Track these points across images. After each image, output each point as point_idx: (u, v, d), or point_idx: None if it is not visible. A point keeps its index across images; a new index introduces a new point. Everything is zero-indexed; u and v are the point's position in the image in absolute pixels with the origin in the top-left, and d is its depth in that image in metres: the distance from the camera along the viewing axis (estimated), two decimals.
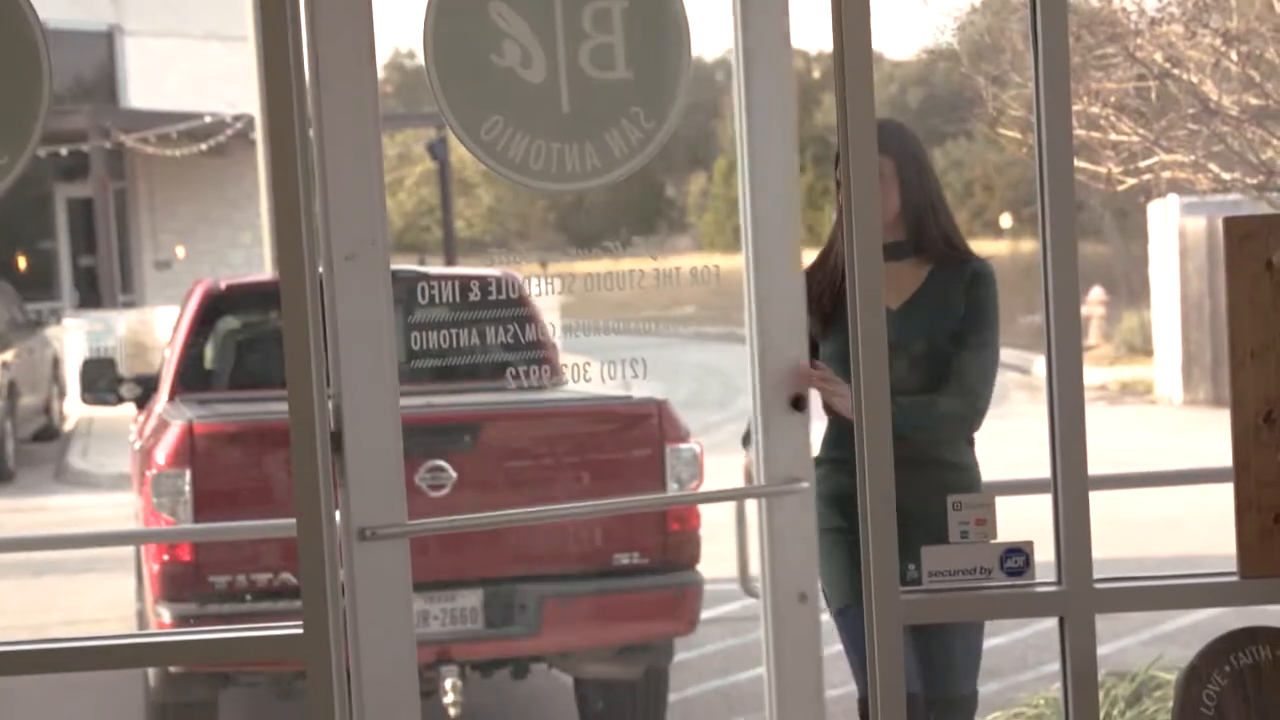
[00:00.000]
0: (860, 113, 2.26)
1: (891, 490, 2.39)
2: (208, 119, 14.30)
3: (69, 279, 17.03)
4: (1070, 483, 2.31)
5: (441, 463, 4.26)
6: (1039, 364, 15.84)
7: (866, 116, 2.27)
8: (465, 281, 3.32)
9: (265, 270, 11.59)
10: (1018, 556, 2.42)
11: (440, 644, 4.40)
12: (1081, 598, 2.32)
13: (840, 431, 3.02)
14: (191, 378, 5.47)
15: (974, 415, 3.05)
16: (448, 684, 4.41)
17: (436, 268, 11.89)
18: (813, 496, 3.23)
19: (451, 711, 4.27)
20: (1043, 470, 2.45)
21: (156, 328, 13.07)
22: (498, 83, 2.76)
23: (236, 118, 13.96)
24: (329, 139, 2.67)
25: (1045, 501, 2.44)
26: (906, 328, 2.99)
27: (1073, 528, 2.32)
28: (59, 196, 16.10)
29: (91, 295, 15.79)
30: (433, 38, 2.70)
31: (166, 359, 5.80)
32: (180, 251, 15.73)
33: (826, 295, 3.07)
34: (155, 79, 14.44)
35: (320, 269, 2.63)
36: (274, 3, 2.42)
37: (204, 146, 14.38)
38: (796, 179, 3.23)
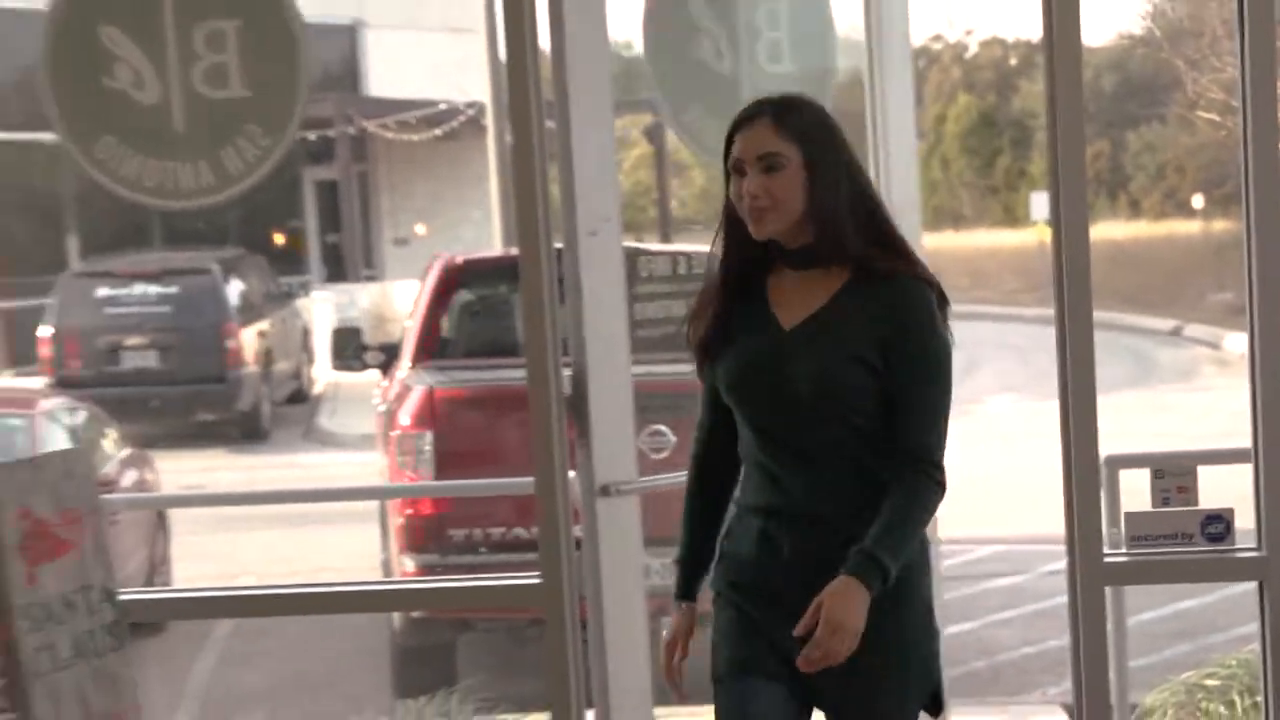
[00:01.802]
0: (1068, 100, 2.39)
1: (1094, 437, 2.40)
2: (442, 106, 15.10)
3: (317, 255, 18.23)
4: (1271, 451, 2.37)
5: (662, 428, 4.42)
6: (1229, 339, 15.37)
7: (1074, 103, 2.40)
8: (681, 257, 3.59)
9: (494, 246, 12.07)
10: (1218, 523, 2.49)
11: (659, 597, 4.61)
12: None
13: (767, 479, 2.37)
14: (431, 346, 5.80)
15: (941, 479, 2.28)
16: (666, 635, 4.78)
17: (654, 244, 12.29)
18: None
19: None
20: (1234, 442, 2.53)
21: (395, 300, 13.74)
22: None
23: (469, 105, 14.67)
24: (571, 124, 2.82)
25: (1242, 472, 2.48)
26: (794, 350, 2.31)
27: (1273, 495, 2.38)
28: (307, 179, 17.45)
29: (337, 270, 16.89)
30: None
31: (407, 329, 6.20)
32: (420, 229, 16.67)
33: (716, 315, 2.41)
34: (394, 69, 15.32)
35: (558, 245, 2.75)
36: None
37: (438, 132, 15.27)
38: (915, 168, 3.61)
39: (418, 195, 16.88)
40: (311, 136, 14.47)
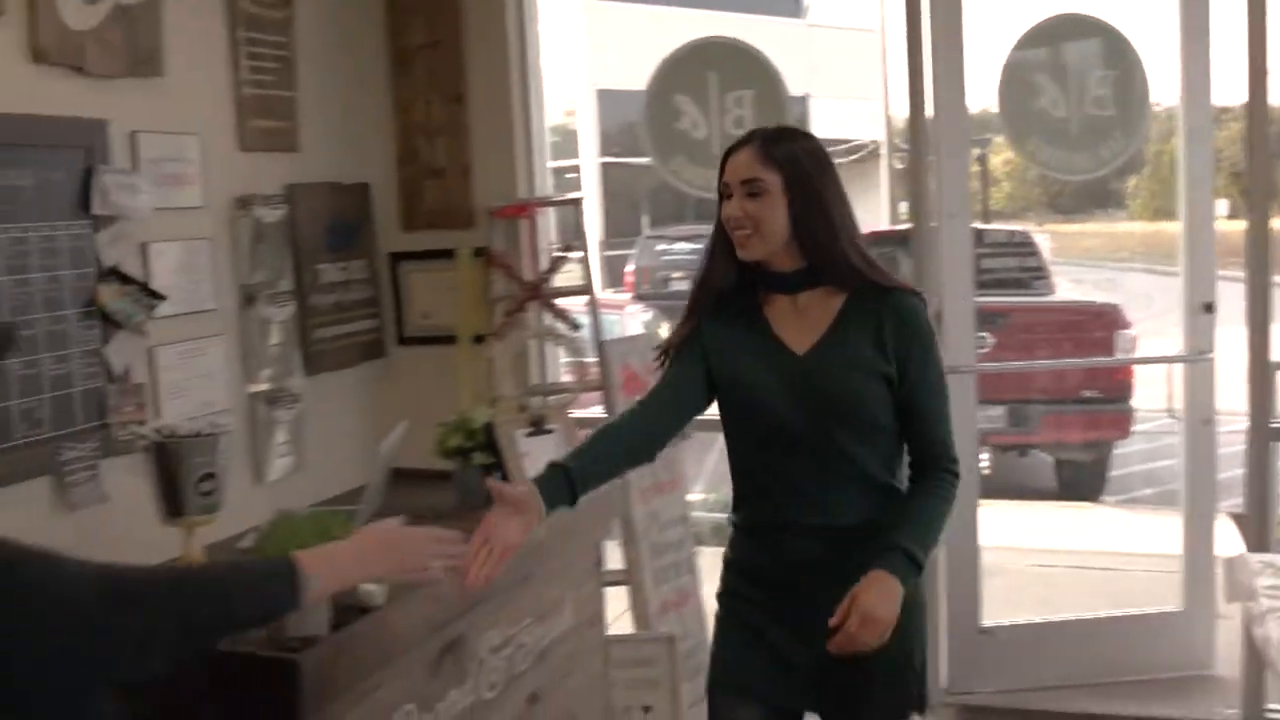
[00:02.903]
0: None
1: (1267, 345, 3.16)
2: (854, 142, 22.13)
3: None
4: None
5: (985, 334, 6.72)
6: None
7: None
8: (1002, 232, 6.08)
9: (883, 225, 18.47)
10: None
11: (982, 434, 6.14)
12: None
13: (776, 496, 2.42)
14: None
15: (959, 471, 2.41)
16: (986, 459, 6.98)
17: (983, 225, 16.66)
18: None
19: (985, 472, 5.93)
20: None
21: None
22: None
23: (870, 142, 22.50)
24: (944, 143, 4.13)
25: None
26: (813, 375, 2.34)
27: None
28: None
29: None
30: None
31: None
32: None
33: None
34: (827, 120, 20.67)
35: (931, 224, 4.17)
36: (915, 64, 4.02)
37: (853, 157, 22.31)
38: (1212, 174, 4.28)
39: None
40: None
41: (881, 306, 2.35)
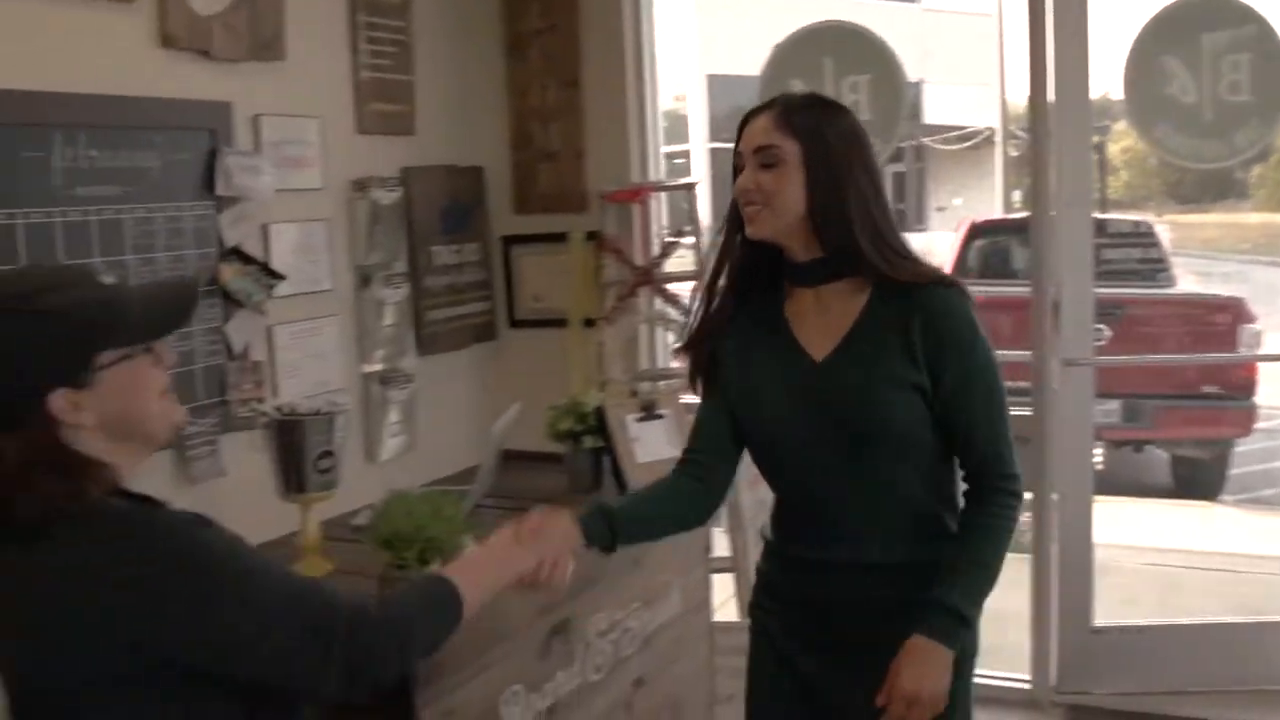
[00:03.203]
0: None
1: None
2: (969, 129, 22.33)
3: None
4: None
5: (1102, 325, 6.43)
6: None
7: None
8: (1124, 224, 5.97)
9: (997, 213, 18.20)
10: None
11: (1097, 429, 5.88)
12: None
13: (806, 528, 2.17)
14: (960, 271, 8.49)
15: (1018, 489, 2.08)
16: (1100, 454, 6.97)
17: (1100, 215, 16.82)
18: None
19: (1099, 468, 5.99)
20: None
21: (935, 245, 16.72)
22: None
23: (985, 128, 22.35)
24: (1065, 130, 3.97)
25: None
26: (832, 386, 2.05)
27: None
28: (888, 171, 22.16)
29: (902, 224, 22.65)
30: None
31: (947, 260, 8.90)
32: (957, 201, 23.42)
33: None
34: (940, 107, 21.39)
35: (1051, 212, 4.01)
36: (1038, 48, 3.88)
37: (966, 144, 22.52)
38: None
39: (952, 182, 24.12)
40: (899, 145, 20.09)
41: (908, 304, 2.03)
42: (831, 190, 2.02)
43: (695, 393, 2.24)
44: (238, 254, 3.33)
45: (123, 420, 1.60)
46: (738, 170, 2.10)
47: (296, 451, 2.24)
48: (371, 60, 3.84)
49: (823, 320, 2.09)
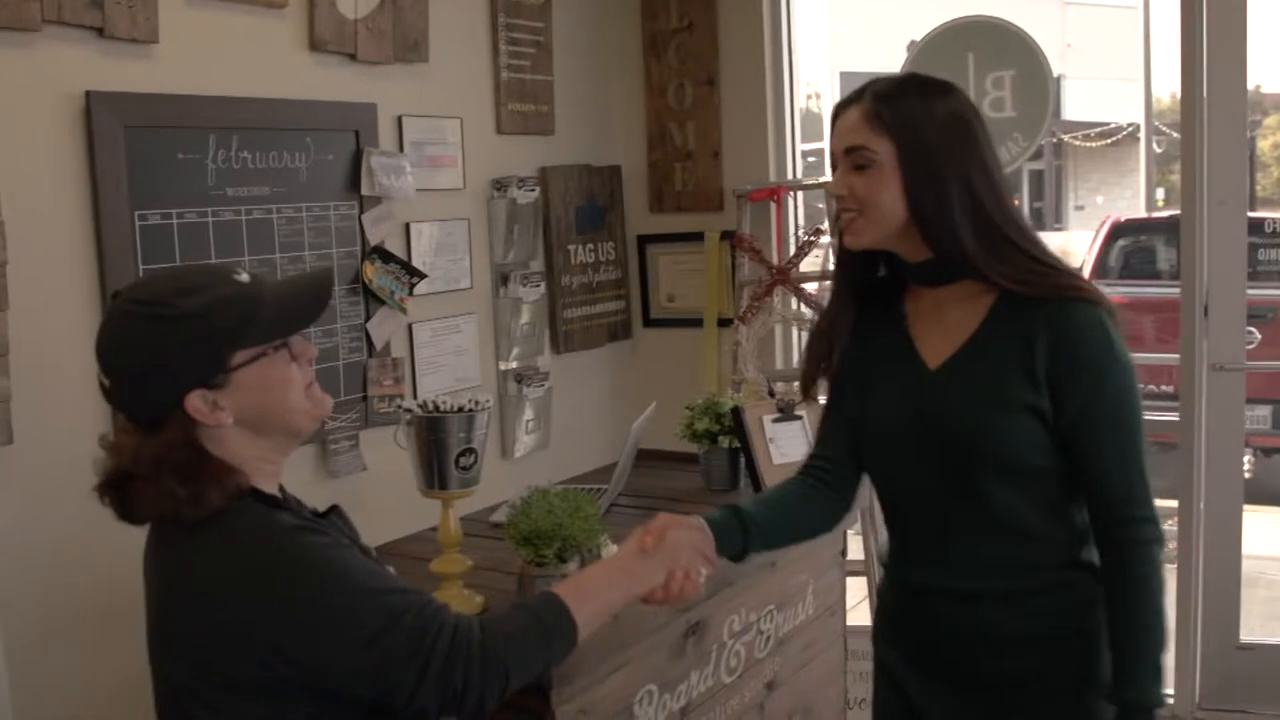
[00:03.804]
0: None
1: None
2: (1111, 125, 21.69)
3: (1026, 214, 25.00)
4: None
5: (1252, 329, 5.85)
6: None
7: None
8: (1275, 223, 5.38)
9: (1140, 213, 16.91)
10: None
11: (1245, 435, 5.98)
12: None
13: (914, 550, 2.00)
14: (1100, 271, 8.38)
15: (1158, 533, 1.82)
16: (1249, 460, 6.27)
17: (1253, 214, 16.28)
18: None
19: (1248, 475, 5.63)
20: None
21: (1073, 244, 16.19)
22: None
23: (1129, 124, 21.24)
24: (1217, 125, 3.83)
25: None
26: (942, 396, 1.86)
27: None
28: (1025, 169, 21.75)
29: (1038, 223, 21.31)
30: None
31: (1085, 260, 8.80)
32: (1099, 199, 23.16)
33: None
34: (1080, 103, 21.00)
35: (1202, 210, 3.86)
36: (1190, 40, 3.78)
37: (1108, 141, 21.99)
38: None
39: (1092, 180, 23.77)
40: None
41: (1034, 318, 1.79)
42: (933, 192, 1.80)
43: (810, 399, 2.11)
44: (380, 252, 3.39)
45: (262, 416, 1.63)
46: (835, 169, 1.90)
47: (439, 448, 2.26)
48: (511, 61, 3.88)
49: (941, 325, 1.89)
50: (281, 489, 1.79)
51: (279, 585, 1.56)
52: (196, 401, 1.58)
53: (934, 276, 1.87)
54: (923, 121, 1.81)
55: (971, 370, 1.84)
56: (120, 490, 1.62)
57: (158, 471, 1.57)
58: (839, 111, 1.89)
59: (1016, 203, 1.96)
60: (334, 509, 1.87)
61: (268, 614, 1.56)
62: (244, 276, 1.65)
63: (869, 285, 1.99)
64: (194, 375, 1.57)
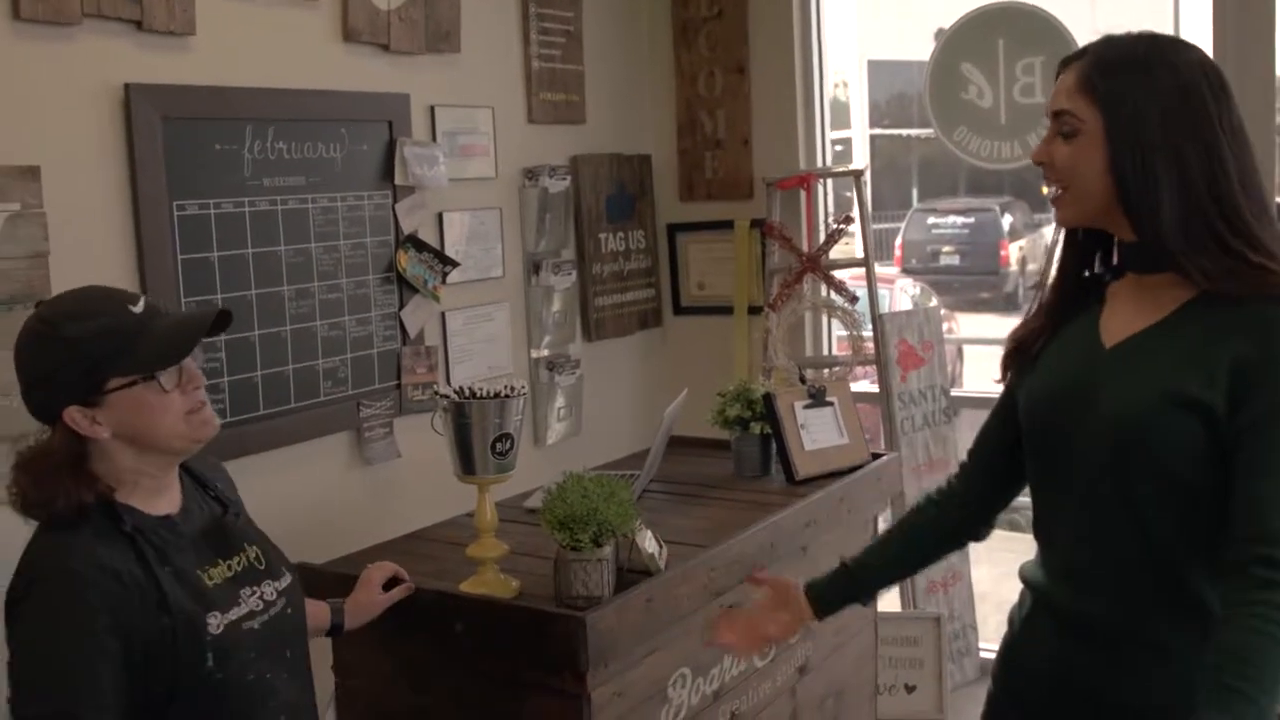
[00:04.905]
0: None
1: None
2: None
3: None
4: None
5: None
6: None
7: None
8: None
9: None
10: None
11: None
12: None
13: (1044, 552, 1.82)
14: None
15: None
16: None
17: None
18: None
19: None
20: None
21: None
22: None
23: None
24: (1246, 114, 4.07)
25: None
26: (1106, 377, 1.68)
27: None
28: None
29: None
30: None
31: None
32: None
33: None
34: None
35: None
36: (1219, 22, 3.83)
37: None
38: None
39: None
40: None
41: (1234, 315, 1.59)
42: (1137, 170, 1.62)
43: (1004, 382, 1.90)
44: (414, 241, 3.43)
45: (137, 435, 1.77)
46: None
47: (475, 433, 2.29)
48: (542, 51, 3.91)
49: (1133, 309, 1.70)
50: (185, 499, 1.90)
51: (14, 617, 1.72)
52: (75, 414, 1.73)
53: (1139, 262, 1.70)
54: (1139, 94, 1.62)
55: (1145, 353, 1.66)
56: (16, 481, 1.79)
57: (41, 470, 1.75)
58: (1060, 69, 1.72)
59: None
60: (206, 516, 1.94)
61: (9, 637, 1.72)
62: (139, 307, 1.78)
63: (1086, 270, 1.82)
64: (71, 393, 1.73)
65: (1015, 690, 1.84)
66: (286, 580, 1.95)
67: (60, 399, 1.73)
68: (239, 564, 1.87)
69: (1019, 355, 1.84)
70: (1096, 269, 1.82)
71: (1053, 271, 1.85)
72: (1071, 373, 1.74)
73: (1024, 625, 1.84)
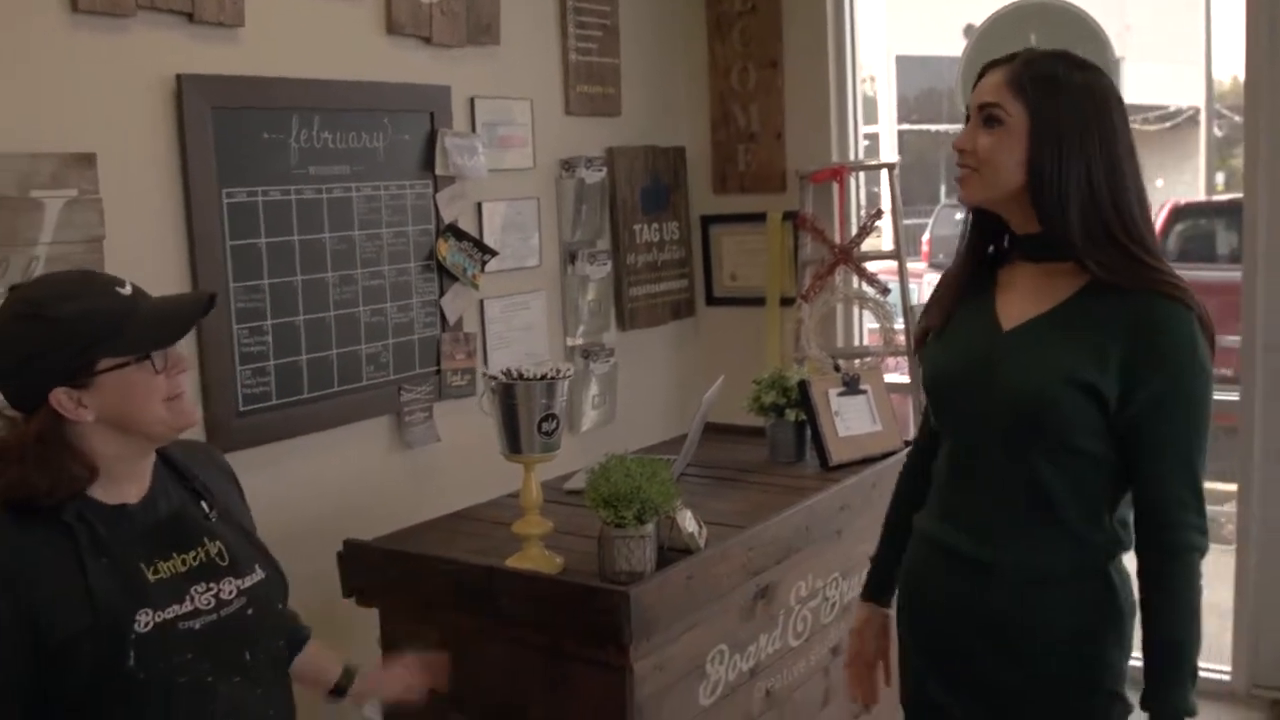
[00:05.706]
0: None
1: None
2: (1171, 109, 21.38)
3: None
4: None
5: None
6: None
7: None
8: None
9: (1200, 195, 17.78)
10: None
11: None
12: None
13: (943, 506, 2.03)
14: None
15: (1199, 541, 1.80)
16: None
17: None
18: None
19: None
20: None
21: None
22: None
23: (1188, 108, 21.03)
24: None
25: None
26: (1005, 357, 1.88)
27: None
28: None
29: None
30: None
31: None
32: (1159, 182, 22.19)
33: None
34: (1142, 85, 19.99)
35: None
36: (1254, 17, 3.75)
37: (1167, 125, 21.85)
38: None
39: (1151, 163, 22.88)
40: None
41: (1120, 305, 1.80)
42: (1053, 169, 1.80)
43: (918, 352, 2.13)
44: (454, 230, 3.49)
45: (121, 418, 1.73)
46: (967, 124, 1.92)
47: (523, 413, 2.36)
48: (579, 44, 3.97)
49: (1030, 295, 1.89)
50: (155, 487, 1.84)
51: None
52: (61, 396, 1.69)
53: (1037, 251, 1.88)
54: (1063, 99, 1.81)
55: (1042, 338, 1.85)
56: None
57: (21, 457, 1.69)
58: (984, 71, 1.91)
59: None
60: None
61: None
62: (126, 290, 1.75)
63: (983, 256, 2.02)
64: (60, 373, 1.69)
65: (917, 626, 2.06)
66: (255, 578, 1.86)
67: (50, 380, 1.69)
68: (195, 559, 1.80)
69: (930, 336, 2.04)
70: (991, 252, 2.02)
71: (961, 249, 2.04)
72: (971, 350, 1.93)
73: (921, 566, 2.06)
